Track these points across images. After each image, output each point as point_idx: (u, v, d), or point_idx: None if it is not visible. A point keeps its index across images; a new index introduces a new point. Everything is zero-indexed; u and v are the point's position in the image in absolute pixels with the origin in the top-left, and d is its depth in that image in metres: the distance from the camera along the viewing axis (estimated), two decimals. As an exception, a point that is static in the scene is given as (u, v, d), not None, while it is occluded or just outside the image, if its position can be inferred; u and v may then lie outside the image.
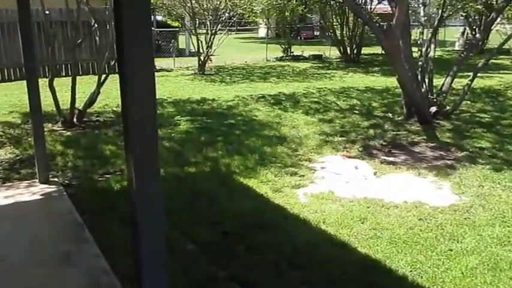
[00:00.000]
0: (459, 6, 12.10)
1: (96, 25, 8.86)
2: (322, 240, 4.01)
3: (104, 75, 8.53)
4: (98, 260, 3.47)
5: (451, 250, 3.90)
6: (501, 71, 14.97)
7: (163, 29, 19.47)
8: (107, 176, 5.57)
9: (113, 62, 10.11)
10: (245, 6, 16.02)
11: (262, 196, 4.99)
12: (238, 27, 24.34)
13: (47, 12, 10.41)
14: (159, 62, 16.96)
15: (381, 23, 8.04)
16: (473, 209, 4.72)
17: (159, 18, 22.55)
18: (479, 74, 9.29)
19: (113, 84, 9.48)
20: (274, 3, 16.99)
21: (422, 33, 9.30)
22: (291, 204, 4.77)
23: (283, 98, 10.50)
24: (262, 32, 32.51)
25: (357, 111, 9.21)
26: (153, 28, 17.56)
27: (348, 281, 3.35)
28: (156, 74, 15.06)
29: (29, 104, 4.98)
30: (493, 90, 11.62)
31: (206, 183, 5.30)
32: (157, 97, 7.96)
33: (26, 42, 4.92)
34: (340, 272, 3.47)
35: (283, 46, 20.30)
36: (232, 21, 17.45)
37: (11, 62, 13.79)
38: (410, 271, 3.57)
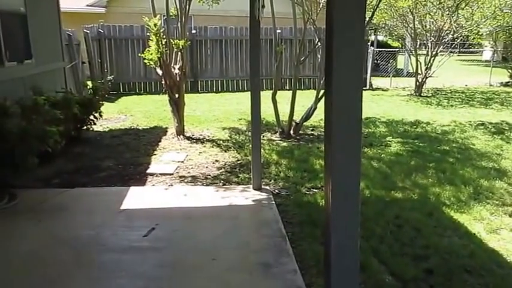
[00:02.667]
0: None
1: (319, 43, 9.02)
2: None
3: (322, 91, 8.63)
4: (295, 277, 3.37)
5: None
6: None
7: (383, 49, 19.00)
8: (314, 190, 5.52)
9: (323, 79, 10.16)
10: (471, 27, 14.52)
11: (474, 236, 4.29)
12: (461, 49, 22.27)
13: (279, 31, 11.08)
14: (375, 81, 16.63)
15: None
16: None
17: (380, 38, 22.12)
18: None
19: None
20: (504, 25, 15.00)
21: None
22: (509, 251, 3.97)
23: (506, 128, 9.12)
24: (486, 54, 29.24)
25: None
26: (373, 48, 17.28)
27: None
28: (372, 92, 14.81)
29: (251, 115, 5.21)
30: None
31: (412, 212, 4.81)
32: (370, 115, 7.79)
33: (253, 59, 5.17)
34: None
35: (510, 71, 17.85)
36: (455, 43, 16.01)
37: (245, 74, 15.18)
38: None
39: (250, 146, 7.40)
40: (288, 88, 13.14)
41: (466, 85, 16.90)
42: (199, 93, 14.49)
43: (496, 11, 13.93)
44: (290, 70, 14.18)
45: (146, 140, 7.88)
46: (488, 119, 10.08)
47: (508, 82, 17.53)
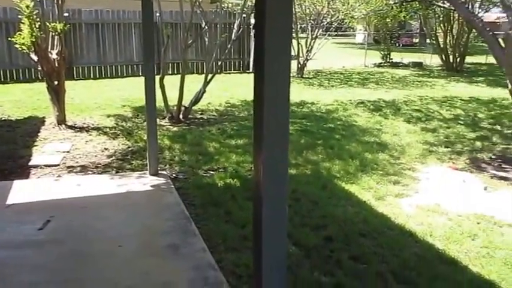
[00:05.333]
0: None
1: (206, 27, 9.11)
2: (429, 255, 3.74)
3: (210, 75, 8.74)
4: (204, 255, 3.49)
5: None
6: None
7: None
8: (212, 172, 5.66)
9: (220, 62, 10.36)
10: (346, 11, 15.71)
11: (364, 203, 4.78)
12: (338, 33, 23.93)
13: (157, 14, 10.93)
14: (259, 65, 17.15)
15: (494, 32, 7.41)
16: None
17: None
18: None
19: (215, 84, 9.73)
20: (376, 9, 16.47)
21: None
22: (395, 214, 4.51)
23: (383, 105, 10.12)
24: (360, 37, 31.81)
25: (461, 122, 8.61)
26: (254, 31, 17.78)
27: (460, 302, 3.09)
28: (256, 76, 15.28)
29: (145, 100, 5.16)
30: None
31: (307, 186, 5.19)
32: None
33: (147, 42, 5.11)
34: (451, 290, 3.21)
35: (382, 52, 19.69)
36: (333, 26, 17.18)
37: (124, 60, 14.71)
38: (530, 297, 3.22)
39: (140, 132, 7.34)
40: (170, 73, 13.04)
41: (344, 66, 18.26)
42: (76, 80, 13.71)
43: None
44: (173, 54, 14.06)
45: (23, 131, 7.32)
46: (366, 97, 11.07)
47: (381, 63, 19.33)
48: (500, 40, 7.26)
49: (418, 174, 5.75)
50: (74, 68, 14.17)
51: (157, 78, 8.16)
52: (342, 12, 15.83)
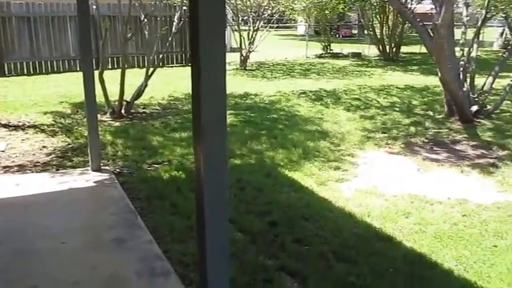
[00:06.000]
0: (503, 7, 11.72)
1: (145, 20, 9.02)
2: (367, 234, 3.98)
3: (151, 69, 8.67)
4: (151, 246, 3.54)
5: (496, 246, 3.82)
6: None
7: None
8: (156, 165, 5.68)
9: (161, 55, 10.28)
10: (287, 3, 15.98)
11: (307, 189, 4.99)
12: (279, 25, 24.24)
13: (94, 7, 10.69)
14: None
15: (424, 23, 7.86)
16: (518, 207, 4.59)
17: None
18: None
19: (157, 78, 9.66)
20: (315, 1, 16.86)
21: (464, 33, 9.06)
22: (336, 198, 4.75)
23: (324, 95, 10.44)
24: (301, 29, 32.34)
25: (397, 109, 9.06)
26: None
27: (395, 274, 3.32)
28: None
29: (84, 95, 5.07)
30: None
31: (252, 175, 5.33)
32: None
33: (84, 36, 5.02)
34: (387, 265, 3.45)
35: (323, 43, 20.16)
36: (274, 18, 17.42)
37: (60, 55, 14.25)
38: (456, 265, 3.52)
39: (80, 128, 7.19)
40: (111, 67, 12.78)
41: (286, 58, 18.56)
42: (8, 76, 13.15)
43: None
44: (112, 48, 13.76)
45: (-50, 132, 6.99)
46: (308, 88, 11.36)
47: (322, 54, 19.80)
48: (430, 31, 7.71)
49: (357, 160, 6.04)
50: (5, 64, 13.57)
51: (96, 73, 8.03)
52: (283, 4, 16.08)
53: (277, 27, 22.05)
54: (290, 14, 19.03)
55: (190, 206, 4.31)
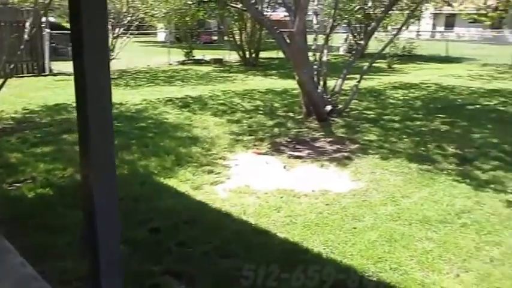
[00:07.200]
0: (346, 16, 13.15)
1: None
2: (245, 230, 4.29)
3: (0, 80, 8.05)
4: (24, 269, 3.39)
5: (355, 228, 4.40)
6: (380, 73, 16.44)
7: (60, 32, 18.38)
8: (18, 184, 5.36)
9: (11, 66, 9.55)
10: (147, 10, 15.90)
11: (184, 194, 5.15)
12: (139, 31, 23.87)
13: None
14: (57, 66, 16.17)
15: (280, 30, 8.54)
16: (369, 192, 5.32)
17: (52, 19, 21.14)
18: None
19: (8, 90, 8.99)
20: (175, 8, 17.02)
21: (315, 39, 10.01)
22: (212, 200, 4.99)
23: (191, 101, 10.66)
24: (161, 36, 32.17)
25: (261, 112, 9.65)
26: (48, 30, 16.63)
27: (273, 262, 3.65)
28: (54, 78, 14.46)
29: None
30: (375, 90, 12.79)
31: (127, 185, 5.32)
32: (61, 102, 7.92)
33: None
34: (265, 255, 3.77)
35: (185, 50, 20.39)
36: (134, 25, 17.16)
37: None
38: (324, 248, 3.99)
39: None
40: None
41: (149, 65, 18.42)
42: None
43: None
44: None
45: None
46: (174, 95, 11.48)
47: (185, 61, 20.03)
48: (286, 36, 8.40)
49: (229, 162, 6.37)
50: None
51: None
52: (142, 11, 15.95)
53: (138, 34, 21.74)
54: (150, 20, 18.91)
55: (66, 223, 4.21)
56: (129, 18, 15.69)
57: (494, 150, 6.98)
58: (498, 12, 15.95)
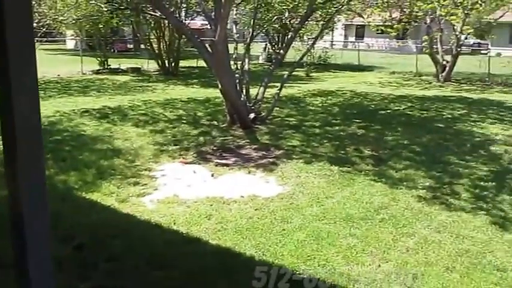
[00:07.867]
0: (265, 26, 13.50)
1: None
2: (176, 239, 4.27)
3: None
4: None
5: (284, 230, 4.56)
6: (299, 81, 17.02)
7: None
8: None
9: None
10: (54, 16, 15.23)
11: (109, 208, 5.01)
12: (47, 39, 22.80)
13: None
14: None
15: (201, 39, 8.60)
16: (295, 195, 5.54)
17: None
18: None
19: None
20: (87, 14, 16.44)
21: (236, 48, 10.17)
22: (140, 212, 4.91)
23: (110, 112, 10.36)
24: (71, 43, 30.92)
25: (184, 121, 9.60)
26: None
27: (207, 270, 3.68)
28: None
29: None
30: (295, 98, 13.23)
31: (46, 201, 5.07)
32: None
33: None
34: (197, 263, 3.78)
35: (99, 59, 19.75)
36: (41, 32, 16.38)
37: None
38: (256, 251, 4.10)
39: None
40: None
41: (59, 75, 17.58)
42: None
43: (80, 1, 15.08)
44: None
45: None
46: (90, 105, 11.08)
47: (99, 70, 19.37)
48: (207, 45, 8.46)
49: (155, 173, 6.29)
50: None
51: None
52: (50, 17, 15.26)
53: (45, 41, 20.76)
54: (58, 27, 18.12)
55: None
56: (35, 25, 14.95)
57: (405, 151, 7.53)
58: (402, 24, 17.22)
